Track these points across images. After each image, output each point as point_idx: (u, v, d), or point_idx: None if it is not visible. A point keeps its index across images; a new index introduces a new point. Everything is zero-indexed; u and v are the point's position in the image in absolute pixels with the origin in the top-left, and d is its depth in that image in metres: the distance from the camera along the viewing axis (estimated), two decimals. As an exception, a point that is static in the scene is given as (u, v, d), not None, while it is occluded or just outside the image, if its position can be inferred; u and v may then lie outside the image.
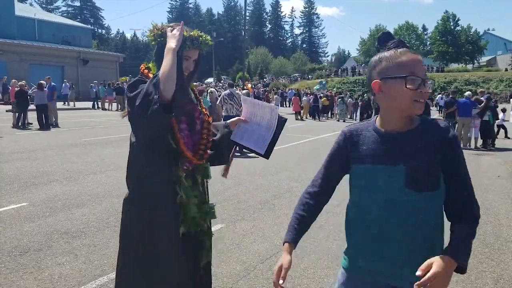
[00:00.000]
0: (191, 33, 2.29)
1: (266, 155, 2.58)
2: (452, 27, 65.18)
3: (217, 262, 4.13)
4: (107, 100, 29.02)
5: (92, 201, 6.28)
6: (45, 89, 16.72)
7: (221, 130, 2.63)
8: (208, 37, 2.39)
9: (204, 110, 2.49)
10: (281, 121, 2.56)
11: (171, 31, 2.22)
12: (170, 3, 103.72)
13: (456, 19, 65.61)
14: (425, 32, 74.88)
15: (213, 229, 5.20)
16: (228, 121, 2.66)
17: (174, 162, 2.26)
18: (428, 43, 71.24)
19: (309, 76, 65.57)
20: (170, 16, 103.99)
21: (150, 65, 2.41)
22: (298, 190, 6.91)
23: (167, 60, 2.11)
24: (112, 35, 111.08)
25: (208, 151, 2.45)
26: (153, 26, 2.36)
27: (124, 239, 2.40)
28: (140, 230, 2.27)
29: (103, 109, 28.89)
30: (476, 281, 3.82)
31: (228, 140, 2.61)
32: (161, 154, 2.23)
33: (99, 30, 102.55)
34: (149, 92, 2.02)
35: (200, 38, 2.32)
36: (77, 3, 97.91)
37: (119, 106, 27.96)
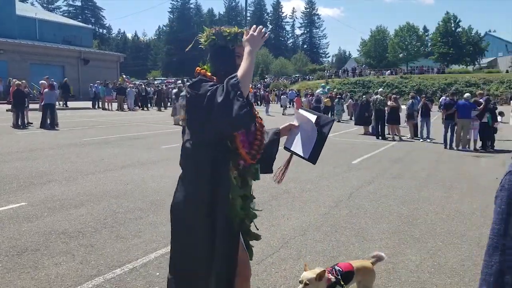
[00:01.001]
0: (233, 30, 2.37)
1: (312, 159, 2.56)
2: (453, 29, 65.09)
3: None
4: (107, 100, 29.08)
5: (90, 201, 6.30)
6: (55, 90, 16.91)
7: (270, 136, 2.65)
8: None
9: (256, 111, 2.51)
10: (327, 122, 2.57)
11: (247, 34, 2.30)
12: (171, 3, 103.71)
13: (457, 21, 65.52)
14: (426, 33, 74.65)
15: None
16: (280, 127, 2.69)
17: (229, 161, 2.31)
18: (429, 44, 71.09)
19: (310, 77, 65.59)
20: (172, 16, 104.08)
21: (205, 66, 2.47)
22: (296, 191, 6.93)
23: (247, 63, 2.19)
24: (113, 35, 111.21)
25: (260, 152, 2.48)
26: (205, 30, 2.46)
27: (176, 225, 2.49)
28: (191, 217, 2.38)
29: (104, 109, 28.94)
30: (470, 283, 3.84)
31: (275, 147, 2.64)
32: (220, 153, 2.29)
33: (100, 30, 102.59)
34: (229, 92, 2.09)
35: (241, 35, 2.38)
36: (78, 3, 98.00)
37: (120, 106, 28.04)
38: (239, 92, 2.07)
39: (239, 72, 2.16)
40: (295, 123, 2.69)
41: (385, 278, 3.93)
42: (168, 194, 6.79)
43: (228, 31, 2.37)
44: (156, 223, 5.39)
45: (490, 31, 73.47)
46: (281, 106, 30.77)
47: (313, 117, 2.57)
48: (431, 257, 4.40)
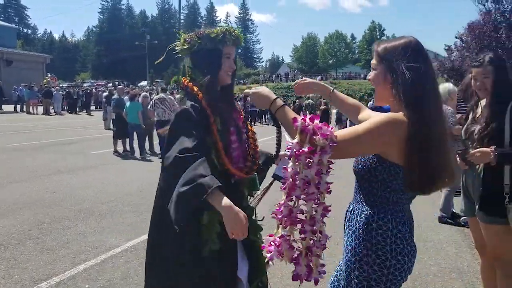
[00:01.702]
0: (218, 29, 2.16)
1: None
2: (378, 37, 68.46)
3: (147, 272, 4.06)
4: (31, 104, 27.52)
5: (13, 211, 5.93)
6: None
7: (263, 156, 2.44)
8: (240, 33, 2.24)
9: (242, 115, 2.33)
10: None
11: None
12: (101, 4, 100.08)
13: (382, 29, 69.13)
14: (354, 41, 77.97)
15: (143, 237, 5.10)
16: (281, 153, 2.35)
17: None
18: (357, 51, 74.36)
19: (245, 81, 66.09)
20: (102, 17, 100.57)
21: (191, 75, 2.23)
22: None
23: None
24: (39, 35, 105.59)
25: (258, 162, 2.29)
26: (181, 36, 2.23)
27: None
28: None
29: (28, 113, 27.36)
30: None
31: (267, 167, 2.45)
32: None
33: (25, 30, 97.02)
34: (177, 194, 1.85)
35: (234, 33, 2.19)
36: (0, 1, 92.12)
37: (46, 110, 26.65)
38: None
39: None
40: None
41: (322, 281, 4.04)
42: (97, 201, 6.57)
43: (215, 31, 2.16)
44: (85, 233, 5.18)
45: (412, 40, 77.86)
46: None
47: None
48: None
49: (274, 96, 1.94)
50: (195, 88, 2.15)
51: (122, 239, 5.00)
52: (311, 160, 1.68)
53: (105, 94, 21.42)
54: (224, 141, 2.11)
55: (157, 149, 11.54)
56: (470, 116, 3.03)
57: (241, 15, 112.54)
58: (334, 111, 18.98)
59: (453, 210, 5.82)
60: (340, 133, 1.73)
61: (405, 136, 1.66)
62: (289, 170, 1.71)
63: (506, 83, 2.80)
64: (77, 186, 7.57)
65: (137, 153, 11.32)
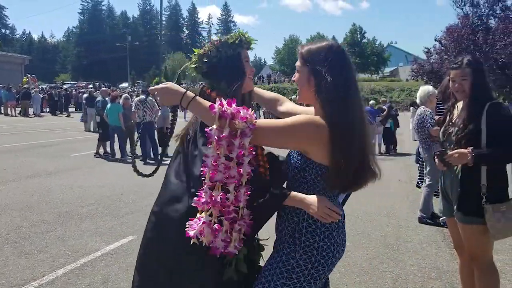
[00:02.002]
0: (234, 35, 2.13)
1: None
2: (359, 39, 69.18)
3: (126, 276, 4.02)
4: (9, 105, 27.00)
5: (-11, 215, 5.81)
6: None
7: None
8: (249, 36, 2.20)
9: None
10: None
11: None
12: (81, 4, 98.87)
13: (363, 32, 69.74)
14: (336, 43, 78.47)
15: (124, 241, 5.06)
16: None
17: None
18: (338, 53, 74.87)
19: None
20: (82, 17, 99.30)
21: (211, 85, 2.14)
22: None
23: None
24: (18, 36, 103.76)
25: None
26: (196, 51, 2.15)
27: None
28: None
29: (6, 114, 26.85)
30: (378, 281, 4.08)
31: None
32: None
33: (3, 30, 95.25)
34: None
35: (247, 36, 2.16)
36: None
37: (25, 111, 26.20)
38: None
39: None
40: None
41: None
42: (77, 205, 6.48)
43: (232, 36, 2.12)
44: (64, 237, 5.10)
45: (392, 42, 79.11)
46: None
47: None
48: (341, 258, 4.62)
49: (183, 90, 1.89)
50: (213, 94, 2.06)
51: (102, 242, 4.93)
52: (233, 144, 1.72)
53: (85, 95, 21.14)
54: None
55: (138, 151, 11.42)
56: (448, 118, 3.07)
57: (223, 16, 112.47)
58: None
59: (433, 210, 5.91)
60: (261, 121, 1.80)
61: (326, 138, 1.74)
62: (210, 156, 1.73)
63: (483, 85, 2.85)
64: (56, 189, 7.45)
65: (118, 155, 11.20)
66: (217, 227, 1.77)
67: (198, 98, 1.85)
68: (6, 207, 6.22)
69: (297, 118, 1.82)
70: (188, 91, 1.88)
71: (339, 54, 1.83)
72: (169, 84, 1.92)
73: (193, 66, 2.18)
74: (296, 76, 1.92)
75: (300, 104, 2.25)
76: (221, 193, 1.75)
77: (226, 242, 1.79)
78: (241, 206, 1.79)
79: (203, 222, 1.75)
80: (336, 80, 1.75)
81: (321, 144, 1.76)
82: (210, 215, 1.77)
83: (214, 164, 1.73)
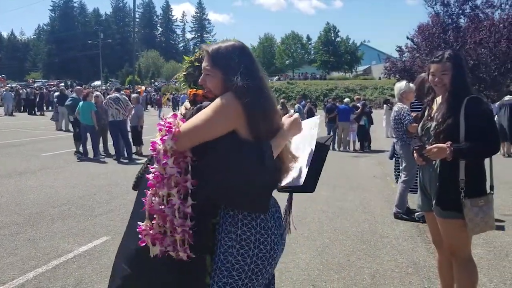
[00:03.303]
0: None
1: (307, 188, 2.09)
2: (333, 38, 69.79)
3: (100, 278, 3.90)
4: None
5: (-45, 218, 5.57)
6: None
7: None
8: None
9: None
10: (322, 147, 2.18)
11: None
12: (52, 1, 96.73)
13: (336, 31, 70.38)
14: (310, 42, 78.92)
15: (97, 242, 4.93)
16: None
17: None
18: (312, 52, 75.41)
19: (201, 81, 65.55)
20: (53, 15, 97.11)
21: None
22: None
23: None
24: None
25: None
26: (187, 59, 2.25)
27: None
28: None
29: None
30: (356, 277, 4.08)
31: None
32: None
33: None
34: None
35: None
36: None
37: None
38: None
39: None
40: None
41: (277, 278, 4.01)
42: (48, 205, 6.29)
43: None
44: (35, 239, 4.93)
45: (365, 41, 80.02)
46: (173, 110, 30.33)
47: (310, 139, 2.18)
48: (320, 255, 4.60)
49: None
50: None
51: (74, 244, 4.79)
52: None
53: (56, 94, 20.62)
54: None
55: (111, 150, 11.15)
56: (426, 113, 3.07)
57: (198, 14, 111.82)
58: (292, 111, 19.13)
59: (408, 205, 5.96)
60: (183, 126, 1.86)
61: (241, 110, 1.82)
62: (153, 171, 1.84)
63: (463, 80, 2.86)
64: (26, 190, 7.22)
65: (90, 155, 10.93)
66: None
67: None
68: (-27, 209, 5.98)
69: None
70: None
71: (244, 51, 1.93)
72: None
73: (183, 74, 2.24)
74: (205, 78, 1.95)
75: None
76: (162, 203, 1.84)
77: (173, 244, 1.84)
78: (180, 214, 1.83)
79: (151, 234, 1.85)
80: (247, 77, 1.84)
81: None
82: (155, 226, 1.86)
83: (159, 178, 1.83)
